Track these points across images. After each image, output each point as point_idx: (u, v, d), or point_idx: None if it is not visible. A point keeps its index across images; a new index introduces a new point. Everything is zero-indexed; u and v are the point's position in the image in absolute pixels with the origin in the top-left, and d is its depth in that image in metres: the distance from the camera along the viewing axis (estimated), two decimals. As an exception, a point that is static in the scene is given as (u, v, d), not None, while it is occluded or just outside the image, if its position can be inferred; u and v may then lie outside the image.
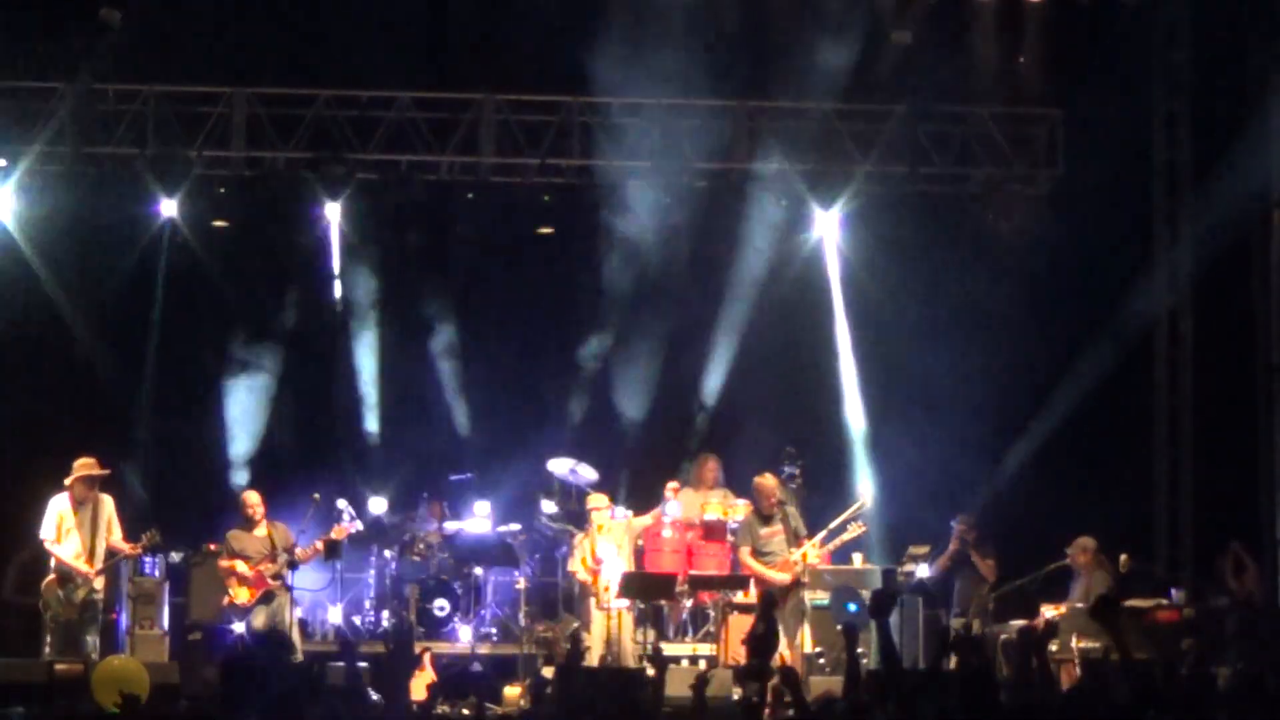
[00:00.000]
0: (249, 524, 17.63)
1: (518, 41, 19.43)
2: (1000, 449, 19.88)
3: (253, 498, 17.78)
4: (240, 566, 17.43)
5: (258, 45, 19.25)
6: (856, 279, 20.36)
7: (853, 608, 17.20)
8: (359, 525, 18.12)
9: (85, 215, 19.49)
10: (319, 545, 17.72)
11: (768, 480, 17.34)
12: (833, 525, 18.08)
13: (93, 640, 16.74)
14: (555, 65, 19.65)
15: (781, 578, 16.89)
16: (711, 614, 17.82)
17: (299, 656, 17.01)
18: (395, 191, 19.86)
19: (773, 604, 16.65)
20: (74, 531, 16.75)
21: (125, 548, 16.97)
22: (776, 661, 16.44)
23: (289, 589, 17.50)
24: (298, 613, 17.74)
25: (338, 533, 17.87)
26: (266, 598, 17.36)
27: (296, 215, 19.98)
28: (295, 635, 17.32)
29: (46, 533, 16.82)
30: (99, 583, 16.81)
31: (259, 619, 17.27)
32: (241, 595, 17.42)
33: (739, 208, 20.14)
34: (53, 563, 16.81)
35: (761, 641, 16.08)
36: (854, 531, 17.43)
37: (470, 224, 20.19)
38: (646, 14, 19.04)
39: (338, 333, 20.25)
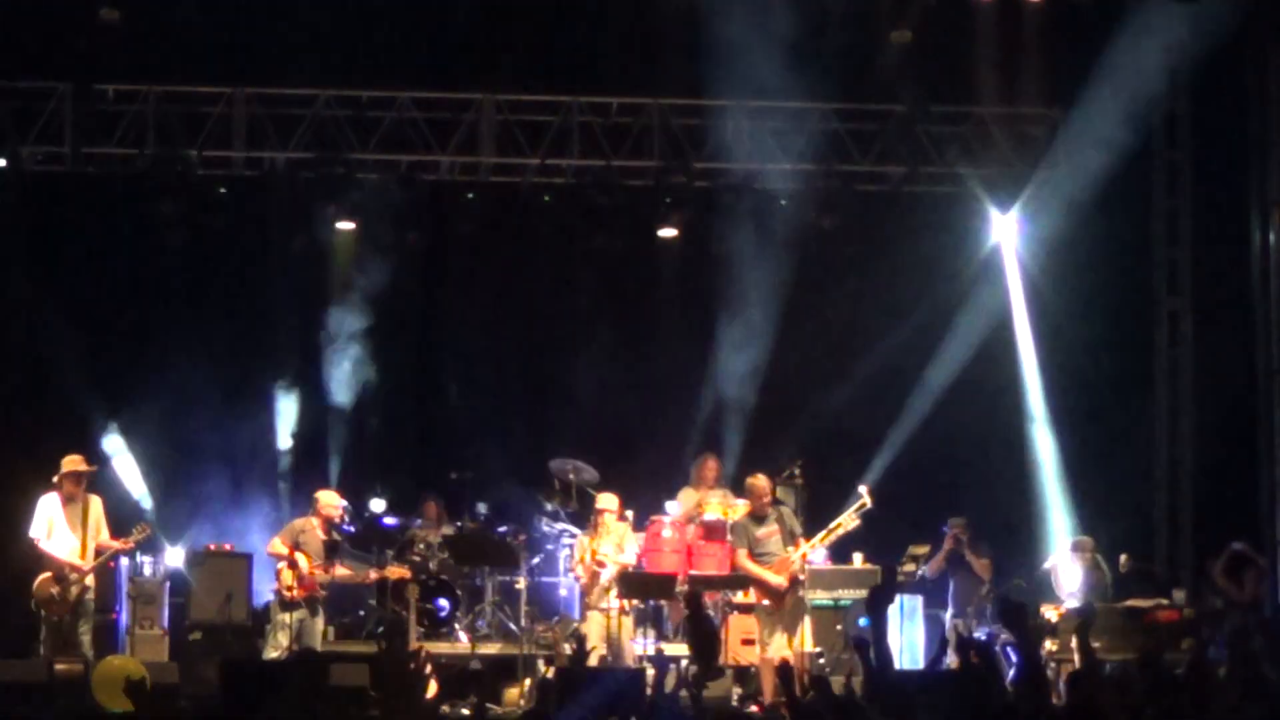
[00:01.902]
0: (325, 525, 17.45)
1: (518, 41, 19.44)
2: (1000, 448, 19.88)
3: (337, 499, 17.63)
4: (301, 561, 17.28)
5: (258, 45, 19.24)
6: (856, 278, 20.36)
7: (864, 621, 17.21)
8: (406, 573, 18.06)
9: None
10: (373, 575, 17.76)
11: (760, 480, 17.28)
12: (833, 525, 18.11)
13: (86, 639, 16.74)
14: (555, 65, 19.66)
15: (778, 581, 16.84)
16: (711, 614, 17.81)
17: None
18: (395, 191, 19.85)
19: (700, 602, 16.70)
20: (65, 529, 16.76)
21: (116, 544, 16.95)
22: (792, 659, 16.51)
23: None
24: (319, 627, 17.59)
25: (392, 573, 17.87)
26: (305, 603, 17.27)
27: (295, 216, 19.97)
28: (315, 642, 17.28)
29: (37, 532, 16.82)
30: (90, 580, 16.81)
31: (288, 618, 17.21)
32: (290, 588, 17.29)
33: (739, 207, 20.14)
34: (44, 560, 16.82)
35: (706, 641, 16.15)
36: (849, 524, 17.40)
37: (470, 224, 20.19)
38: (646, 13, 19.06)
39: (339, 332, 20.25)
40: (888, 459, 19.61)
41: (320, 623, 17.37)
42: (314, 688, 14.27)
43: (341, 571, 17.54)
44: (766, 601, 16.92)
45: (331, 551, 17.55)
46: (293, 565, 17.18)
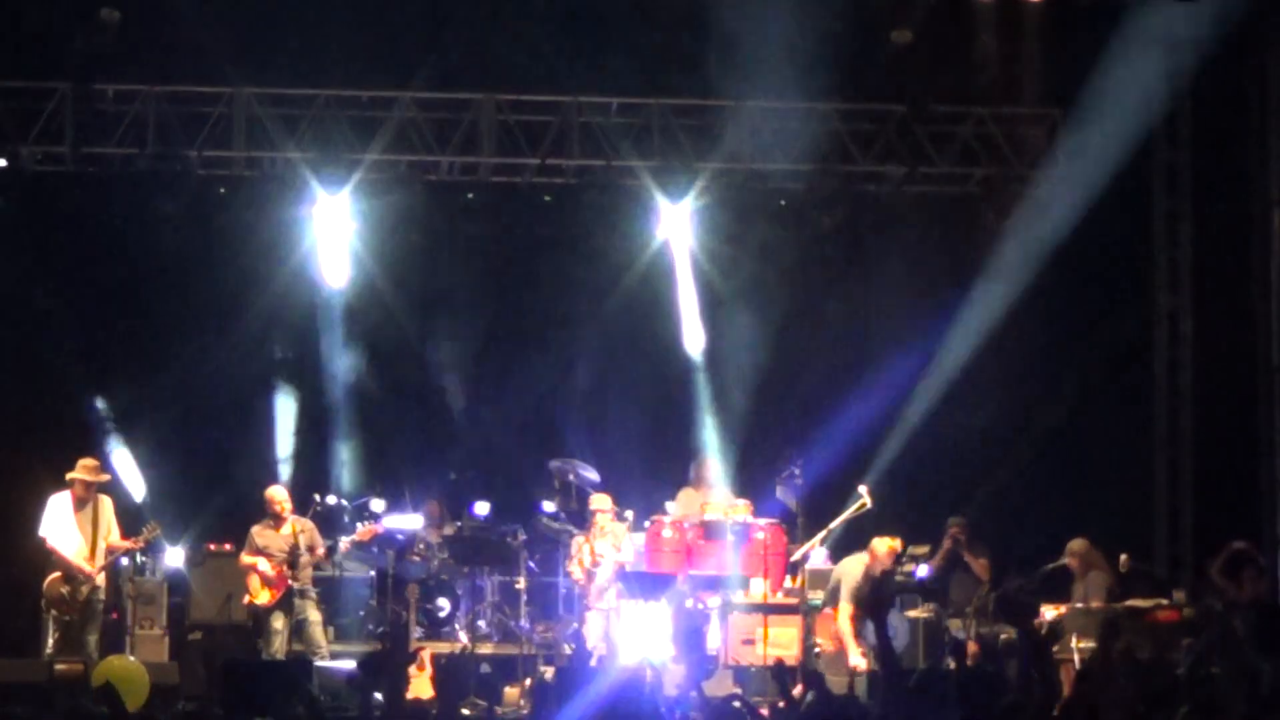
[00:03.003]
0: (275, 521, 17.47)
1: (518, 41, 19.43)
2: (1000, 448, 19.87)
3: (279, 494, 17.58)
4: (263, 565, 17.29)
5: (258, 45, 19.23)
6: (855, 278, 20.36)
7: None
8: (380, 528, 18.07)
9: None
10: (344, 545, 17.71)
11: (884, 548, 17.24)
12: (833, 525, 18.13)
13: (93, 639, 16.74)
14: (555, 65, 19.65)
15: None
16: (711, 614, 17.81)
17: (325, 657, 17.05)
18: (395, 191, 19.85)
19: (680, 603, 16.73)
20: (75, 529, 16.75)
21: (126, 544, 16.95)
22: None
23: (311, 589, 17.45)
24: (315, 618, 17.58)
25: (361, 535, 17.82)
26: (287, 600, 17.26)
27: (295, 216, 19.96)
28: (319, 635, 17.29)
29: (47, 530, 16.82)
30: (100, 580, 16.81)
31: (278, 621, 17.21)
32: (262, 596, 17.26)
33: (740, 207, 20.14)
34: (53, 560, 16.82)
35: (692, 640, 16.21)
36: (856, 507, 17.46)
37: (470, 224, 20.21)
38: (646, 14, 19.06)
39: (337, 333, 20.25)
40: (888, 459, 19.62)
41: (316, 614, 17.31)
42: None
43: (317, 555, 17.50)
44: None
45: (331, 553, 17.55)
46: (265, 581, 17.20)
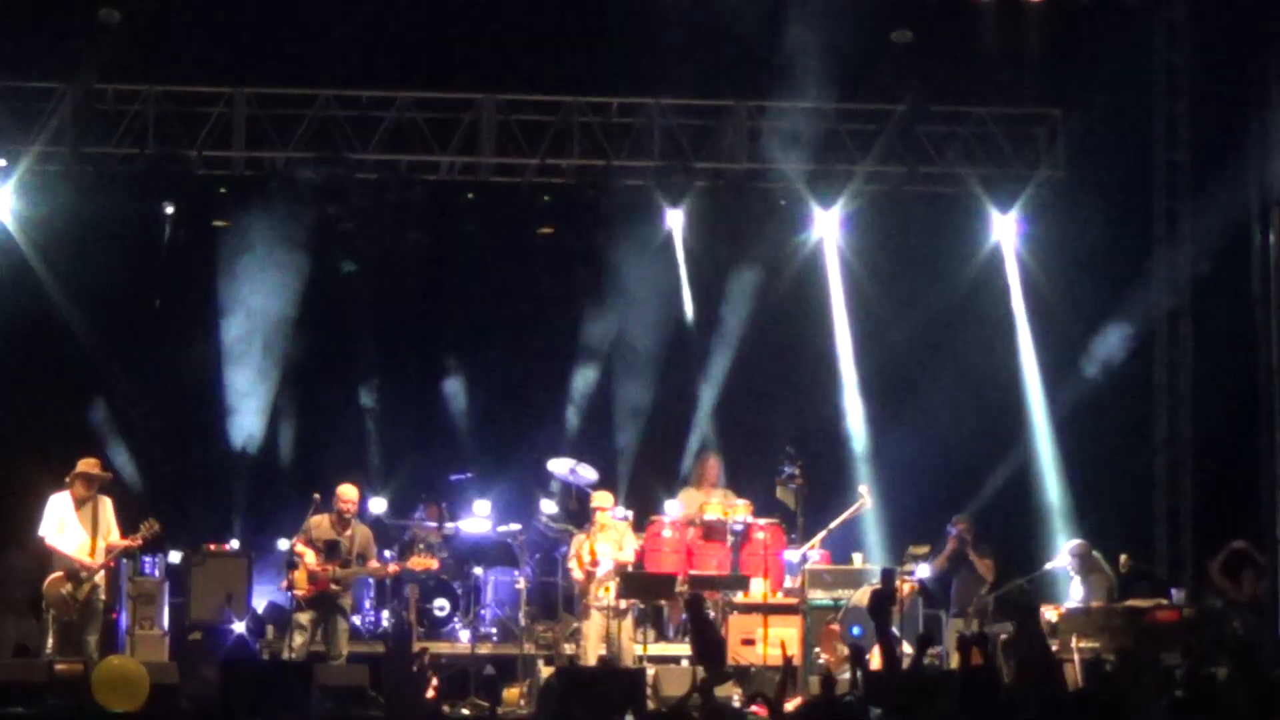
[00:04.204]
0: (340, 520, 17.42)
1: (518, 41, 19.45)
2: (1000, 449, 19.88)
3: (350, 494, 17.45)
4: (310, 558, 17.28)
5: (258, 45, 19.25)
6: (856, 279, 20.37)
7: (858, 630, 17.18)
8: (435, 561, 18.05)
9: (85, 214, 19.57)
10: (393, 568, 17.69)
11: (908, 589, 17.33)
12: (833, 525, 18.14)
13: (93, 639, 16.72)
14: (555, 65, 19.67)
15: None
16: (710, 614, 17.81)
17: (342, 661, 17.04)
18: (395, 191, 19.86)
19: (701, 607, 16.67)
20: (76, 528, 16.74)
21: (125, 542, 16.93)
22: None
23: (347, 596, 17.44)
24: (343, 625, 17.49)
25: (416, 563, 17.81)
26: (320, 600, 17.24)
27: (295, 214, 19.96)
28: (343, 641, 17.27)
29: (47, 530, 16.81)
30: (100, 580, 16.79)
31: (305, 618, 17.20)
32: (299, 587, 17.25)
33: (739, 208, 20.15)
34: (54, 559, 16.80)
35: (710, 646, 16.18)
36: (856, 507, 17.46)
37: (470, 224, 20.22)
38: (646, 13, 19.08)
39: (338, 332, 20.25)
40: (888, 459, 19.63)
41: (343, 623, 17.29)
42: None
43: (368, 567, 17.48)
44: None
45: (331, 551, 17.44)
46: (291, 565, 17.17)
